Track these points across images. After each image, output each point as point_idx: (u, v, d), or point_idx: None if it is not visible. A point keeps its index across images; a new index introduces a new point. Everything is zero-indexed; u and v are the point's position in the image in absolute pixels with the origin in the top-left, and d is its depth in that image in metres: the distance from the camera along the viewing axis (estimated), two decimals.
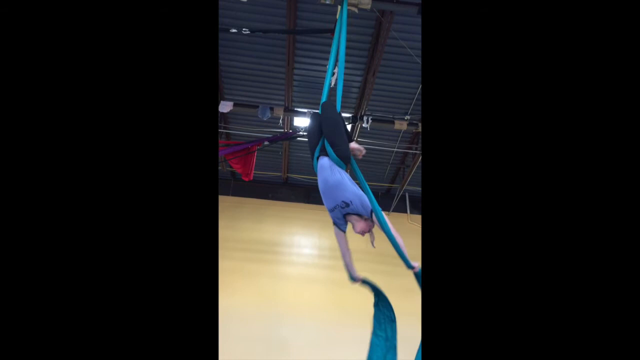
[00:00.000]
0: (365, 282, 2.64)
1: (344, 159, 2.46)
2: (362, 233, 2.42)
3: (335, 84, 3.44)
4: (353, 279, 2.58)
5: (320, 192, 2.48)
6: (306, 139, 6.20)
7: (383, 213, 2.32)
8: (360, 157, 2.62)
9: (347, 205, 2.35)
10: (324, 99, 3.10)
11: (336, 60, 3.31)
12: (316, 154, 2.57)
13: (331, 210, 2.46)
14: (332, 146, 2.46)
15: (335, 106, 2.74)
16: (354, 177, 2.60)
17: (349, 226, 2.51)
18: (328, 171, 2.43)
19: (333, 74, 4.67)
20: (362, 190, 2.38)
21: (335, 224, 2.53)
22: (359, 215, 2.39)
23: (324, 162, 2.48)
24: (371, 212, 2.33)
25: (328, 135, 2.51)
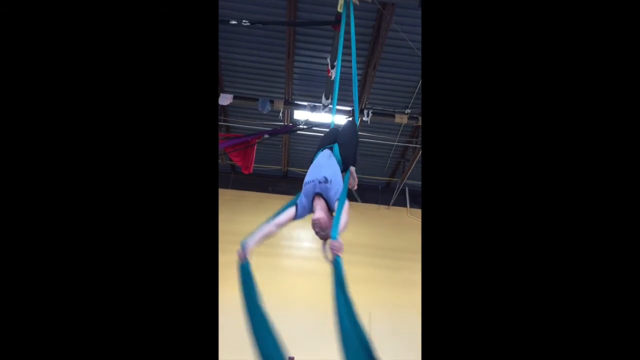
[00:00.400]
0: (242, 267, 2.26)
1: (346, 161, 2.49)
2: (317, 225, 2.19)
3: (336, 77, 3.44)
4: (243, 246, 2.27)
5: (308, 171, 2.47)
6: (306, 133, 6.22)
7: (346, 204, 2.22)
8: (354, 187, 2.59)
9: (326, 181, 2.29)
10: (336, 94, 3.13)
11: (341, 54, 3.34)
12: (322, 149, 2.63)
13: (306, 184, 2.37)
14: (341, 148, 2.53)
15: (356, 126, 2.83)
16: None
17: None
18: (326, 157, 2.50)
19: (333, 67, 4.65)
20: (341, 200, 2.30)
21: (296, 204, 2.37)
22: (327, 203, 2.29)
23: (326, 152, 2.55)
24: (335, 202, 2.23)
25: (342, 143, 2.58)
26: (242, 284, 2.26)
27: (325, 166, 2.40)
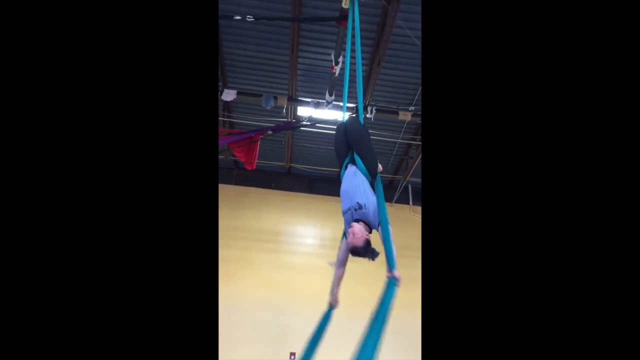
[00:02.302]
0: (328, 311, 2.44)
1: (373, 173, 2.57)
2: (353, 237, 2.32)
3: (340, 73, 3.44)
4: (331, 306, 2.44)
5: (341, 195, 2.56)
6: (310, 129, 6.20)
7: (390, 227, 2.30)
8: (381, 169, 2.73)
9: (360, 208, 2.39)
10: (345, 91, 3.15)
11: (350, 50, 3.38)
12: (345, 162, 2.69)
13: (344, 213, 2.49)
14: (362, 159, 2.59)
15: (359, 121, 2.88)
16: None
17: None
18: (352, 176, 2.55)
19: (337, 63, 4.63)
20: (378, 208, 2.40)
21: (345, 233, 2.50)
22: (366, 224, 2.39)
23: (351, 169, 2.61)
24: (378, 225, 2.32)
25: (358, 150, 2.64)
26: (321, 324, 2.44)
27: (355, 189, 2.47)
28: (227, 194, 7.01)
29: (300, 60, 5.33)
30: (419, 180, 7.15)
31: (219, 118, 6.10)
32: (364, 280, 6.65)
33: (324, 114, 5.75)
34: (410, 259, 6.92)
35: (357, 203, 2.40)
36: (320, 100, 5.59)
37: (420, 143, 6.34)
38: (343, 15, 3.98)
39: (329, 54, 4.89)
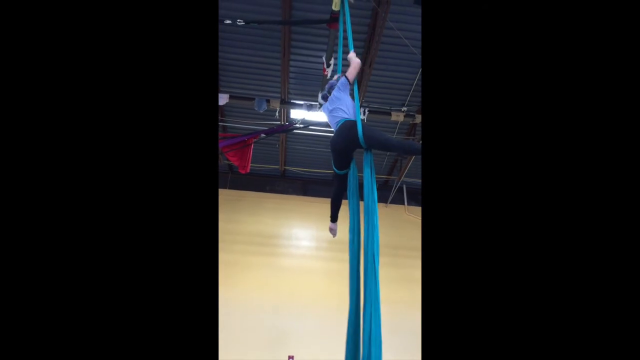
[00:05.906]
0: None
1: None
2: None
3: (332, 76, 3.49)
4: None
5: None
6: (303, 132, 6.21)
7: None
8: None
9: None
10: (356, 94, 3.40)
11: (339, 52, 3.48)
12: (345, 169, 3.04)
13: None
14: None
15: (372, 129, 3.23)
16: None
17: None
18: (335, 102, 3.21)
19: (329, 65, 4.64)
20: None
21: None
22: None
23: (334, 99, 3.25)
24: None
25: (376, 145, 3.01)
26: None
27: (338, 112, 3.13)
28: (221, 198, 6.98)
29: (292, 63, 5.33)
30: (413, 180, 7.18)
31: None
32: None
33: (316, 116, 5.76)
34: (405, 258, 6.96)
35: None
36: (313, 103, 5.60)
37: None
38: (333, 18, 4.00)
39: (321, 57, 4.91)
